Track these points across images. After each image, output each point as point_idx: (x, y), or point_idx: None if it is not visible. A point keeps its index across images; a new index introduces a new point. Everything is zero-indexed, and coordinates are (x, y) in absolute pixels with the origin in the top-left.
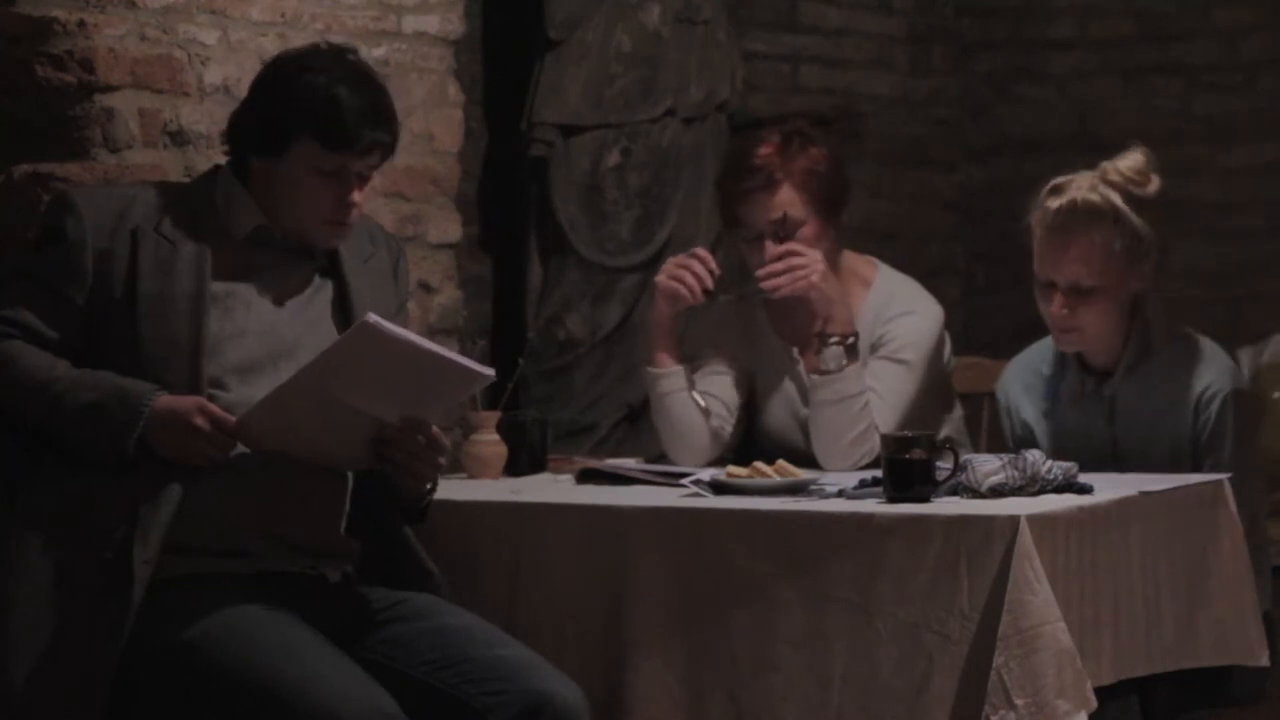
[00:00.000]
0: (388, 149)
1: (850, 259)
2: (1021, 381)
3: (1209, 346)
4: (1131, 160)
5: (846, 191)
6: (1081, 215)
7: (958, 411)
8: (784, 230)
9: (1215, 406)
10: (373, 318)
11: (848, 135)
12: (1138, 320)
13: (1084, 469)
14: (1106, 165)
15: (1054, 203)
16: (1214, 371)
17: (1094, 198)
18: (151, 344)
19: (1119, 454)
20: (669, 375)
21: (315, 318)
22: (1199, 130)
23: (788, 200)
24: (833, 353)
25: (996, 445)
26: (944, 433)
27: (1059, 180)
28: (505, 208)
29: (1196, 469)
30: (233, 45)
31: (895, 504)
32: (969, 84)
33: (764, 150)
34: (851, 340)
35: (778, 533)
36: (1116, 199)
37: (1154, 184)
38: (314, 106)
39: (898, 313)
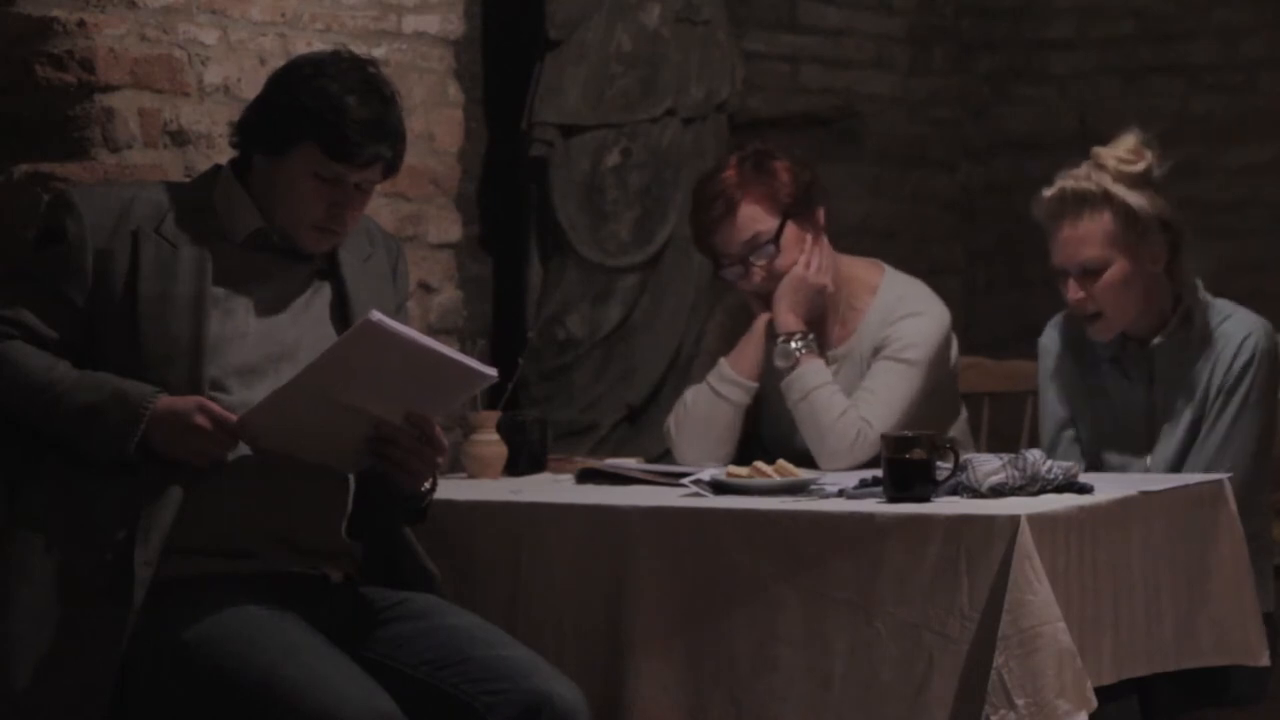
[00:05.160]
0: (390, 165)
1: (855, 264)
2: (1064, 333)
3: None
4: (1122, 143)
5: (814, 189)
6: (1071, 201)
7: (963, 416)
8: (757, 246)
9: (1248, 355)
10: (375, 315)
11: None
12: (1176, 296)
13: (1122, 432)
14: (1098, 150)
15: (1047, 193)
16: (1257, 324)
17: (1083, 184)
18: (152, 345)
19: (1155, 415)
20: (741, 385)
21: (315, 319)
22: (1199, 130)
23: (751, 216)
24: (779, 351)
25: (997, 445)
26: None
27: (1059, 175)
28: (505, 208)
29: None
30: (233, 45)
31: (895, 504)
32: (969, 84)
33: (722, 176)
34: (799, 335)
35: (778, 533)
36: (1106, 180)
37: (1145, 160)
38: (320, 112)
39: (903, 314)
